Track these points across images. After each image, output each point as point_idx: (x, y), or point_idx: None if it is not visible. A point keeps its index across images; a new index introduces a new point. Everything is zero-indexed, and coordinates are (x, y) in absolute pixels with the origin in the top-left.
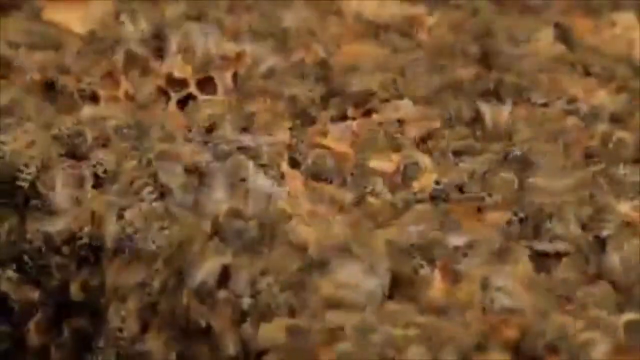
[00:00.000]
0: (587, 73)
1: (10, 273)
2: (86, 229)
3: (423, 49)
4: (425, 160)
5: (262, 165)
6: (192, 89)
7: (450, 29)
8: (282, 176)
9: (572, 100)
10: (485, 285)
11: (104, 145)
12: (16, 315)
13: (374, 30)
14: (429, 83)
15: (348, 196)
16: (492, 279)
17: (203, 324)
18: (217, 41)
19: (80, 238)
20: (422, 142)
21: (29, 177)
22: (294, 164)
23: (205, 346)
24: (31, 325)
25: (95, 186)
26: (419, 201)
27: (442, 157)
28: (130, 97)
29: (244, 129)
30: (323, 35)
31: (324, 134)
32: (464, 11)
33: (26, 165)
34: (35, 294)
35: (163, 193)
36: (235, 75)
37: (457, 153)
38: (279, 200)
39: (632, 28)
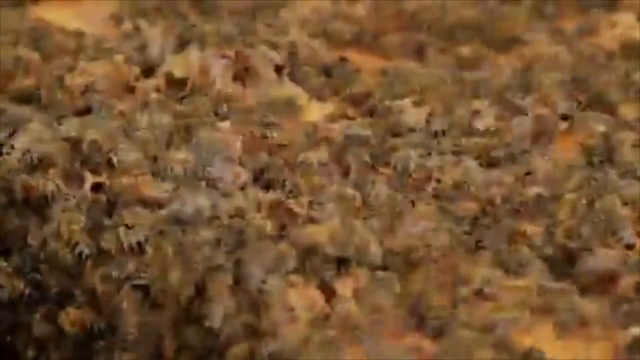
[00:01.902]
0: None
1: (6, 267)
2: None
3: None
4: (426, 159)
5: None
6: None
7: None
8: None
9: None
10: None
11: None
12: (12, 307)
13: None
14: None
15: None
16: None
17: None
18: (215, 42)
19: (77, 243)
20: (423, 141)
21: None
22: None
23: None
24: (31, 318)
25: (94, 188)
26: (422, 201)
27: (443, 157)
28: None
29: None
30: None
31: None
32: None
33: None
34: (29, 290)
35: (162, 192)
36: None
37: (458, 153)
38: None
39: (632, 28)
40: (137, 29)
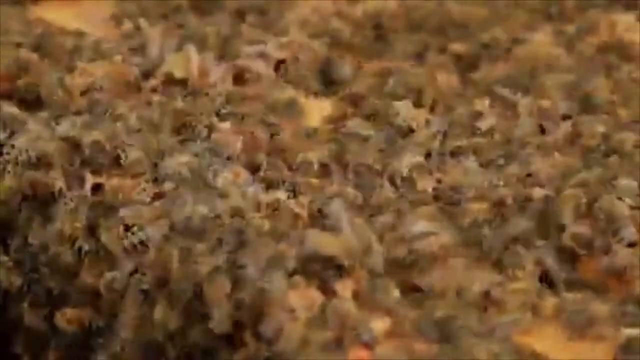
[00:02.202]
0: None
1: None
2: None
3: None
4: (426, 160)
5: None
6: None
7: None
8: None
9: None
10: None
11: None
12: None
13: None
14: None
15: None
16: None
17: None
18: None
19: (77, 238)
20: (423, 142)
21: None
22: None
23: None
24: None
25: (94, 188)
26: (422, 202)
27: (443, 157)
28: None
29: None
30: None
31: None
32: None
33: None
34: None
35: (163, 192)
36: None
37: (458, 153)
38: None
39: (632, 28)
40: (137, 29)
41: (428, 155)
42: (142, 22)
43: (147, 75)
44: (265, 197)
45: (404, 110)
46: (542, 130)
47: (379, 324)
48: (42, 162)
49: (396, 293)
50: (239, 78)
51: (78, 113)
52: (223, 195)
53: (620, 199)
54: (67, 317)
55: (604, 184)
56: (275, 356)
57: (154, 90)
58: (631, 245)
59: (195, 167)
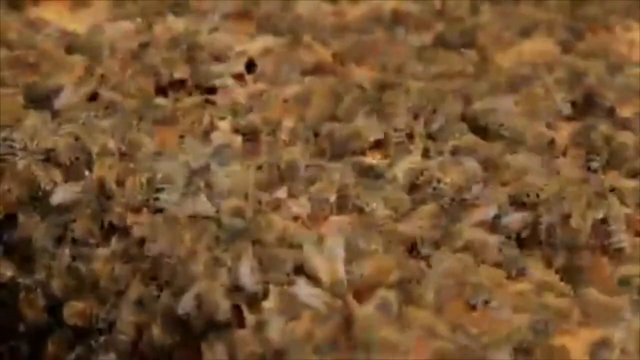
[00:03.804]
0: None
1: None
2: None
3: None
4: (426, 160)
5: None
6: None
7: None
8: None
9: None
10: None
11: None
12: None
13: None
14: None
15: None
16: None
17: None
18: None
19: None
20: (424, 142)
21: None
22: None
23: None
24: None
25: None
26: (423, 201)
27: (443, 157)
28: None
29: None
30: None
31: None
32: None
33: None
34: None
35: (161, 189)
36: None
37: (458, 153)
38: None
39: (631, 29)
40: (137, 29)
41: (427, 155)
42: (142, 21)
43: (146, 74)
44: (265, 197)
45: (404, 109)
46: (543, 130)
47: None
48: (42, 159)
49: (397, 294)
50: (237, 77)
51: (78, 112)
52: (223, 194)
53: (621, 200)
54: (71, 311)
55: (602, 184)
56: (277, 354)
57: (154, 89)
58: (619, 250)
59: (195, 166)
